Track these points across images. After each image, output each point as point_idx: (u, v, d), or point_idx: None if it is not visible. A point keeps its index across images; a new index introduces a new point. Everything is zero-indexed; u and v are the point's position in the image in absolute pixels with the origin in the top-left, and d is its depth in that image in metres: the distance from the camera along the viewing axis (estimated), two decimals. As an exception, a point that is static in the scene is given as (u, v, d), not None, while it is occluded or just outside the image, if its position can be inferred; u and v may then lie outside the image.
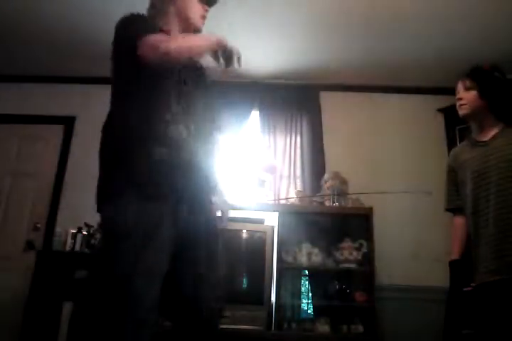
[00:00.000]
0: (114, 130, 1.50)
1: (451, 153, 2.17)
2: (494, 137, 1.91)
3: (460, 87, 1.98)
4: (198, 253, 1.47)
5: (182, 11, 1.58)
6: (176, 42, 1.39)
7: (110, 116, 1.56)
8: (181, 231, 1.42)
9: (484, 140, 1.94)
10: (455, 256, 1.98)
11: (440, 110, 3.82)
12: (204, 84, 1.66)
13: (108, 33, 3.62)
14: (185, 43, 1.42)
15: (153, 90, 1.43)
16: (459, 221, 2.04)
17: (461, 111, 1.97)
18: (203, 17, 1.63)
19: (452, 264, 1.97)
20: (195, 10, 1.60)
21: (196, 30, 1.63)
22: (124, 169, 1.38)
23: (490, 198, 1.83)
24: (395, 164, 3.79)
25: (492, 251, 1.78)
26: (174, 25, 1.58)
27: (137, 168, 1.37)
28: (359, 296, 3.12)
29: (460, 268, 1.94)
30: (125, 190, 1.36)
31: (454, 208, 2.10)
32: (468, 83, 1.94)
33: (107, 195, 1.41)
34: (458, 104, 1.98)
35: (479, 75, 1.95)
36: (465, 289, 1.86)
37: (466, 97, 1.94)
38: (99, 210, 1.44)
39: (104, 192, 1.43)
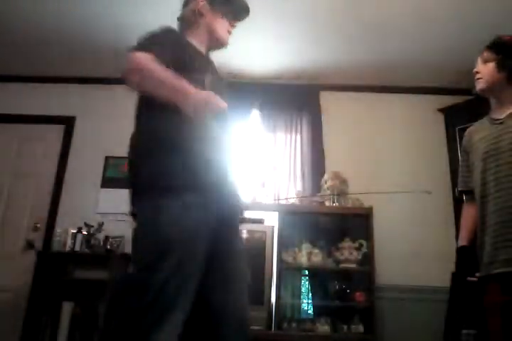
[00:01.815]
0: (145, 134, 1.46)
1: (466, 132, 1.96)
2: (510, 115, 1.75)
3: (478, 60, 1.83)
4: (233, 264, 1.46)
5: (210, 24, 1.64)
6: (154, 75, 1.33)
7: (142, 119, 1.53)
8: (215, 239, 1.38)
9: (500, 118, 1.78)
10: (463, 242, 1.84)
11: (440, 110, 3.81)
12: (222, 85, 1.65)
13: (108, 34, 3.64)
14: (161, 78, 1.33)
15: None
16: (470, 205, 1.87)
17: (478, 86, 1.82)
18: (229, 32, 1.70)
19: (459, 251, 1.84)
20: (222, 24, 1.66)
21: (222, 44, 1.70)
22: (159, 170, 1.36)
23: (499, 182, 1.68)
24: (395, 164, 3.79)
25: (497, 240, 1.65)
26: (201, 38, 1.64)
27: (172, 168, 1.35)
28: (359, 296, 3.12)
29: (467, 256, 1.81)
30: (156, 192, 1.33)
31: (465, 190, 1.91)
32: (486, 55, 1.80)
33: (138, 195, 1.40)
34: (475, 78, 1.83)
35: (498, 46, 1.80)
36: (469, 279, 1.76)
37: (483, 70, 1.80)
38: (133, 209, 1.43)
39: (135, 192, 1.41)
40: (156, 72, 1.32)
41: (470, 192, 1.88)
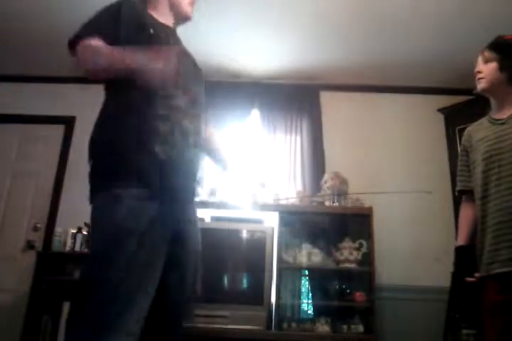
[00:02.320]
0: (110, 126, 1.42)
1: (466, 132, 1.95)
2: None
3: (479, 59, 1.82)
4: (187, 257, 1.45)
5: None
6: (108, 58, 1.32)
7: (105, 110, 1.50)
8: (174, 231, 1.37)
9: (502, 118, 1.77)
10: (461, 242, 1.83)
11: (440, 110, 3.81)
12: (201, 81, 1.63)
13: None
14: (118, 58, 1.31)
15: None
16: (469, 205, 1.87)
17: (479, 86, 1.81)
18: (191, 4, 1.63)
19: (458, 250, 1.83)
20: None
21: (186, 18, 1.65)
22: (123, 164, 1.33)
23: (501, 182, 1.67)
24: (395, 164, 3.79)
25: (498, 241, 1.64)
26: (164, 12, 1.58)
27: (136, 165, 1.32)
28: (359, 296, 3.12)
29: (465, 255, 1.80)
30: (123, 186, 1.30)
31: (464, 190, 1.90)
32: (487, 55, 1.79)
33: (103, 188, 1.34)
34: (476, 78, 1.82)
35: (500, 46, 1.79)
36: (468, 279, 1.74)
37: (485, 70, 1.79)
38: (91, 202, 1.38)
39: (100, 185, 1.36)
40: (101, 50, 1.32)
41: (469, 192, 1.87)
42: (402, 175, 3.69)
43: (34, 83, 4.06)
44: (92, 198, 1.36)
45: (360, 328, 3.02)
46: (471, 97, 3.67)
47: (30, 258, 3.44)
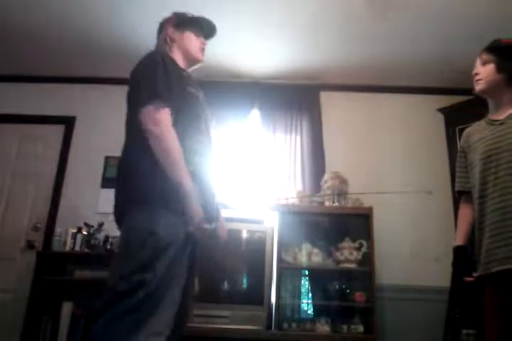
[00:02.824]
0: (145, 151, 1.53)
1: (464, 133, 1.98)
2: (510, 116, 1.77)
3: (477, 62, 1.87)
4: (195, 264, 1.66)
5: (182, 46, 1.83)
6: (170, 148, 1.48)
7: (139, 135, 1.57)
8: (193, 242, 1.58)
9: (499, 119, 1.80)
10: (459, 242, 1.85)
11: (440, 110, 3.81)
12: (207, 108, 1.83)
13: (109, 33, 3.64)
14: (174, 160, 1.48)
15: (186, 117, 1.61)
16: (467, 206, 1.89)
17: (477, 87, 1.85)
18: (202, 49, 1.88)
19: (456, 250, 1.84)
20: (194, 44, 1.85)
21: (197, 62, 1.88)
22: (157, 184, 1.49)
23: (498, 182, 1.69)
24: (395, 164, 3.79)
25: (495, 240, 1.66)
26: (179, 58, 1.81)
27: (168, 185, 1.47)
28: (359, 296, 3.12)
29: (463, 255, 1.82)
30: (157, 203, 1.48)
31: (462, 191, 1.92)
32: (485, 57, 1.83)
33: (138, 204, 1.50)
34: (474, 79, 1.86)
35: (497, 49, 1.83)
36: (467, 279, 1.75)
37: (482, 72, 1.83)
38: (120, 219, 1.56)
39: (134, 201, 1.52)
40: (174, 159, 1.48)
41: (467, 193, 1.89)
42: (402, 175, 3.69)
43: (34, 83, 4.06)
44: (130, 211, 1.52)
45: (360, 328, 3.02)
46: (471, 97, 3.66)
47: (30, 258, 3.43)
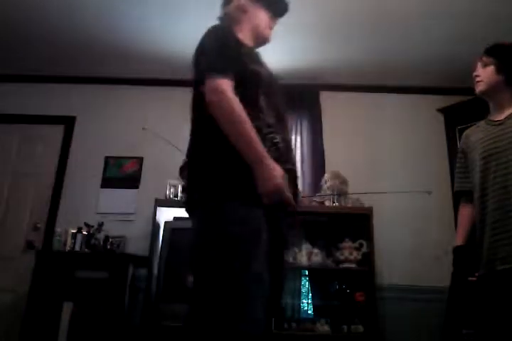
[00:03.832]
0: (213, 141, 1.42)
1: (464, 134, 2.01)
2: (510, 116, 1.80)
3: (478, 65, 1.90)
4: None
5: (252, 19, 1.69)
6: (240, 119, 1.34)
7: (205, 128, 1.46)
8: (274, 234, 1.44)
9: (499, 119, 1.83)
10: (459, 242, 1.86)
11: (440, 110, 3.81)
12: (280, 90, 1.73)
13: (109, 33, 3.63)
14: (246, 132, 1.34)
15: (246, 94, 1.44)
16: (466, 206, 1.91)
17: (478, 88, 1.89)
18: (271, 28, 1.74)
19: (456, 250, 1.85)
20: (265, 20, 1.71)
21: (264, 40, 1.75)
22: (231, 173, 1.37)
23: (497, 181, 1.71)
24: (395, 164, 3.79)
25: (496, 239, 1.67)
26: (245, 34, 1.67)
27: (244, 173, 1.34)
28: (359, 296, 3.12)
29: (464, 255, 1.83)
30: (231, 194, 1.35)
31: (461, 191, 1.94)
32: (485, 59, 1.88)
33: (213, 196, 1.37)
34: (475, 81, 1.90)
35: (496, 51, 1.89)
36: (469, 279, 1.76)
37: (483, 73, 1.87)
38: (192, 210, 1.42)
39: (209, 192, 1.38)
40: (241, 126, 1.33)
41: (466, 193, 1.91)
42: (402, 175, 3.69)
43: (34, 83, 4.06)
44: (204, 206, 1.38)
45: (360, 328, 3.02)
46: (471, 97, 3.67)
47: (30, 258, 3.43)
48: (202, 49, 1.50)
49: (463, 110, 3.58)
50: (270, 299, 1.39)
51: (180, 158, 3.60)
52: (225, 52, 1.46)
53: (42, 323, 3.20)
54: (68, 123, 3.99)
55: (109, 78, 3.96)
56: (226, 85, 1.37)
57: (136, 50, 3.57)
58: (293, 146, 1.65)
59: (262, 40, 1.74)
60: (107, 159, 3.84)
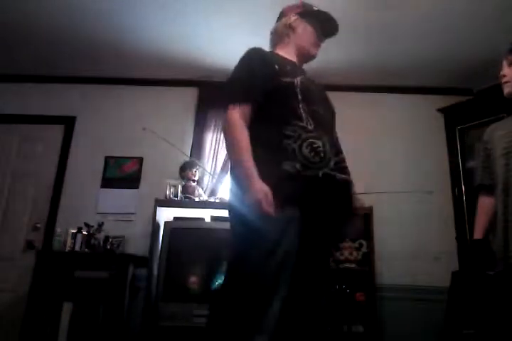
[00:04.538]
0: (257, 140, 1.54)
1: (488, 129, 1.98)
2: None
3: (504, 63, 1.84)
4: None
5: (300, 38, 1.78)
6: (235, 148, 1.48)
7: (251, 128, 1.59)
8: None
9: None
10: (478, 235, 1.83)
11: (440, 110, 3.81)
12: (323, 96, 1.85)
13: (109, 33, 3.63)
14: (237, 156, 1.48)
15: (279, 105, 1.58)
16: (486, 200, 1.88)
17: (506, 90, 1.82)
18: (318, 46, 1.84)
19: (475, 243, 1.82)
20: (311, 38, 1.80)
21: (310, 57, 1.84)
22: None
23: None
24: (395, 164, 3.79)
25: None
26: (291, 51, 1.77)
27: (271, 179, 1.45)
28: (359, 296, 3.12)
29: (483, 249, 1.79)
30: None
31: (482, 185, 1.91)
32: (511, 58, 1.81)
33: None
34: (502, 81, 1.84)
35: None
36: (488, 273, 1.73)
37: (510, 73, 1.80)
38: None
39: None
40: (235, 147, 1.48)
41: (487, 187, 1.88)
42: (402, 175, 3.69)
43: (34, 83, 4.06)
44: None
45: (360, 328, 3.02)
46: (471, 97, 3.68)
47: (30, 258, 3.43)
48: (230, 77, 1.61)
49: (463, 110, 3.58)
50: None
51: (180, 158, 3.61)
52: (245, 82, 1.57)
53: (42, 323, 3.20)
54: (68, 123, 3.99)
55: (110, 78, 3.96)
56: (236, 114, 1.51)
57: (137, 50, 3.57)
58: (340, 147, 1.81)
59: (308, 57, 1.83)
60: (107, 159, 3.84)
